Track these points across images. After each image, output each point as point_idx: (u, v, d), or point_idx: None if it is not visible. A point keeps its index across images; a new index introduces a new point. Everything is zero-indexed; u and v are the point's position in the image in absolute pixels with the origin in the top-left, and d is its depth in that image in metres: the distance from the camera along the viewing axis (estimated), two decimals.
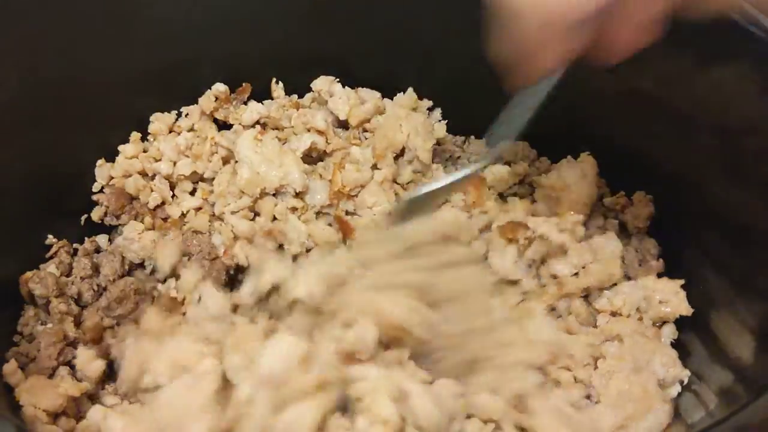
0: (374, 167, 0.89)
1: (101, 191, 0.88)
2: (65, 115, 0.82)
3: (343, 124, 0.96)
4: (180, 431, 0.64)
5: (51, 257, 0.83)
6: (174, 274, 0.81)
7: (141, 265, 0.84)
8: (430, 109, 0.96)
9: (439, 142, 0.94)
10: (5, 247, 0.79)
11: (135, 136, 0.91)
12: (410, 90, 0.95)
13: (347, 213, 0.87)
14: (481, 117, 0.91)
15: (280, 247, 0.83)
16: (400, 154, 0.90)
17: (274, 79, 0.96)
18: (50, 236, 0.83)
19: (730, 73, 0.72)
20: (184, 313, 0.79)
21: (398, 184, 0.90)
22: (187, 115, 0.93)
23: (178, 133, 0.92)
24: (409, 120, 0.90)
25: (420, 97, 0.95)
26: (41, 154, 0.81)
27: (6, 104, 0.76)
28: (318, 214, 0.87)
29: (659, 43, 0.74)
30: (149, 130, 0.91)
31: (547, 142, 0.94)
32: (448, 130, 0.96)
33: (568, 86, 0.84)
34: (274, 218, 0.85)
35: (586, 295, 0.82)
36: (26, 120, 0.78)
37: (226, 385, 0.66)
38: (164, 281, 0.82)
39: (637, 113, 0.82)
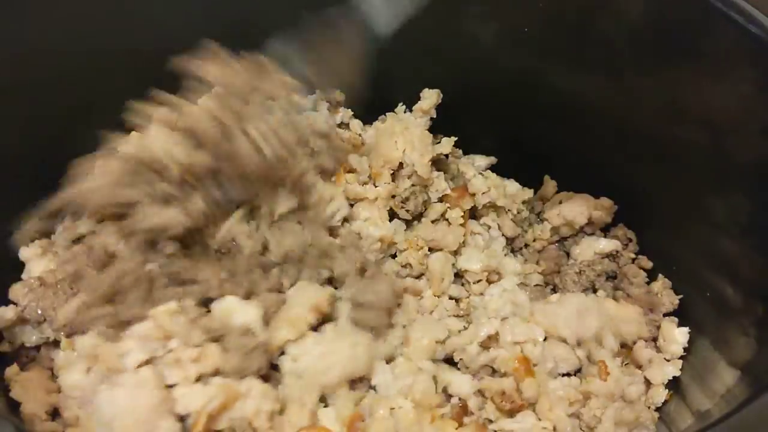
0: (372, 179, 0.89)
1: None
2: (64, 116, 0.82)
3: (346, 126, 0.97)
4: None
5: None
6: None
7: None
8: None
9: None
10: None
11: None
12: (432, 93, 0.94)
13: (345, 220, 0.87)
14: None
15: None
16: (399, 168, 0.89)
17: None
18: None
19: (730, 73, 0.72)
20: None
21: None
22: None
23: None
24: (406, 135, 0.89)
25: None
26: (39, 155, 0.82)
27: (5, 104, 0.76)
28: None
29: (659, 45, 0.75)
30: None
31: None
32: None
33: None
34: None
35: None
36: (25, 120, 0.79)
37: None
38: None
39: (637, 113, 0.82)
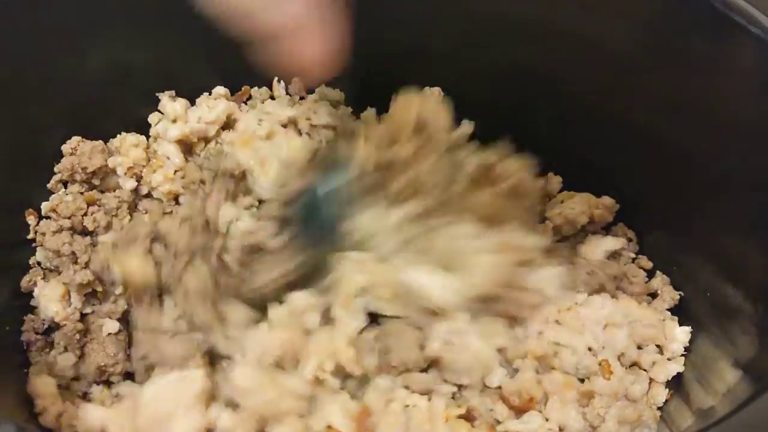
0: None
1: None
2: (64, 116, 0.82)
3: None
4: (163, 427, 0.66)
5: None
6: None
7: None
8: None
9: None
10: None
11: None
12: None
13: None
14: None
15: None
16: None
17: (276, 78, 0.95)
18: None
19: (730, 72, 0.72)
20: None
21: None
22: None
23: None
24: None
25: None
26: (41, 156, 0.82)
27: (6, 101, 0.76)
28: None
29: (660, 45, 0.75)
30: (150, 133, 0.90)
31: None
32: None
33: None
34: None
35: None
36: (24, 119, 0.78)
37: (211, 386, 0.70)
38: None
39: (639, 112, 0.82)
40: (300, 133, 0.91)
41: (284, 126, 0.91)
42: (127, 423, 0.68)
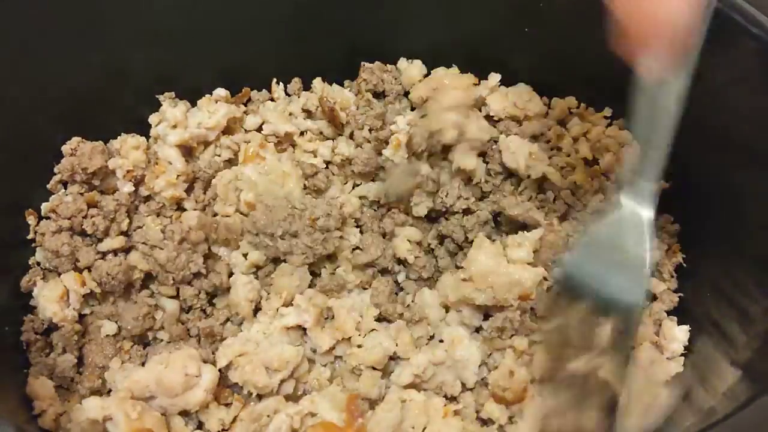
0: None
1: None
2: (64, 116, 0.82)
3: None
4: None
5: None
6: None
7: None
8: None
9: None
10: None
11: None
12: None
13: None
14: None
15: None
16: None
17: (275, 80, 0.95)
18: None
19: (730, 72, 0.72)
20: None
21: None
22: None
23: None
24: None
25: None
26: (41, 156, 0.82)
27: (6, 101, 0.76)
28: None
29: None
30: (150, 134, 0.90)
31: None
32: None
33: None
34: None
35: None
36: (24, 119, 0.78)
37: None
38: None
39: None
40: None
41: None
42: (128, 407, 0.69)
